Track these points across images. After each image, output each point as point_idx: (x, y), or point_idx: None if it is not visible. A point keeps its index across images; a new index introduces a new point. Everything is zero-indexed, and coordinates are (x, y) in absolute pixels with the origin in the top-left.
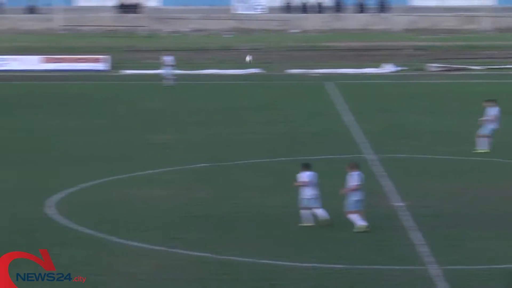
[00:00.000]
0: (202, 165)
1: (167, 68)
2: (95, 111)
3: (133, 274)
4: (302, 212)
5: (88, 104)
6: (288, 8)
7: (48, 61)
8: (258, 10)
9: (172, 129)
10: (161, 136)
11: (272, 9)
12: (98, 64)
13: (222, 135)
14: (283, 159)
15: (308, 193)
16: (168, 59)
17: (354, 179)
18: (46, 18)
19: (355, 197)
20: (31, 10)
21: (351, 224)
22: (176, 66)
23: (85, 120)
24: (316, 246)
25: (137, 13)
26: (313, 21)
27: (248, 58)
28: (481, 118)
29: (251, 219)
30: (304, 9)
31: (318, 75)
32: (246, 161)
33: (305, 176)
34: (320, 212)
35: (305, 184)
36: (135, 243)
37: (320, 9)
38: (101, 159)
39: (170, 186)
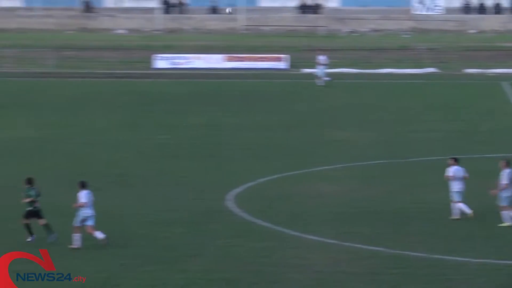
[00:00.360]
0: (377, 161)
1: (320, 67)
2: (275, 108)
3: (307, 266)
4: (456, 205)
5: (268, 101)
6: (466, 9)
7: (230, 59)
8: (436, 10)
9: (349, 126)
10: (338, 133)
11: (449, 10)
12: (279, 63)
13: (397, 133)
14: (457, 156)
15: (456, 186)
16: (322, 58)
17: (504, 177)
18: (229, 18)
19: (506, 193)
20: (214, 10)
21: None
22: (330, 65)
23: (265, 116)
24: (486, 242)
25: (317, 13)
26: (490, 22)
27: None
28: None
29: (423, 215)
30: (482, 10)
31: (495, 75)
32: (419, 159)
33: (450, 170)
34: (461, 207)
35: (451, 179)
36: (310, 237)
37: (498, 10)
38: (279, 154)
39: (345, 182)
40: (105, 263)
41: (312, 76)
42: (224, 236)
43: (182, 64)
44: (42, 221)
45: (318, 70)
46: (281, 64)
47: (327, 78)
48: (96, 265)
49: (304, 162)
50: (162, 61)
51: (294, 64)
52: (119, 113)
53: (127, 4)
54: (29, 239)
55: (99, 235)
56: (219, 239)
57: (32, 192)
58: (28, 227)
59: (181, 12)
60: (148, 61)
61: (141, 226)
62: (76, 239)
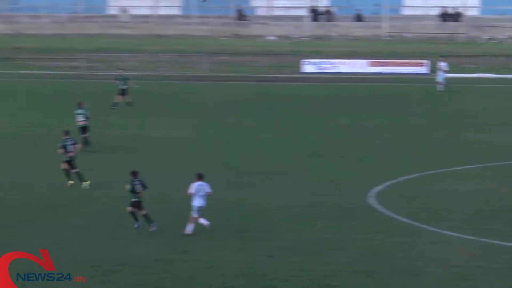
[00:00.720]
0: None
1: (441, 73)
2: (416, 110)
3: (445, 260)
4: None
5: (409, 104)
6: None
7: (374, 64)
8: None
9: (487, 128)
10: (476, 135)
11: None
12: (420, 68)
13: None
14: None
15: None
16: (442, 64)
17: None
18: (373, 26)
19: None
20: (359, 18)
21: None
22: (450, 71)
23: (406, 118)
24: None
25: (457, 21)
26: None
27: None
28: None
29: None
30: None
31: None
32: None
33: None
34: None
35: None
36: (448, 232)
37: None
38: (419, 154)
39: (484, 181)
40: (253, 254)
41: (451, 80)
42: (365, 231)
43: (328, 68)
44: (142, 212)
45: (438, 76)
46: (422, 69)
47: (443, 85)
48: (244, 256)
49: (443, 162)
50: (309, 66)
51: (434, 69)
52: (267, 114)
53: (277, 12)
54: (135, 225)
55: (204, 221)
56: (361, 233)
57: (136, 183)
58: (133, 214)
59: (328, 20)
60: (296, 66)
61: (287, 220)
62: (202, 221)
